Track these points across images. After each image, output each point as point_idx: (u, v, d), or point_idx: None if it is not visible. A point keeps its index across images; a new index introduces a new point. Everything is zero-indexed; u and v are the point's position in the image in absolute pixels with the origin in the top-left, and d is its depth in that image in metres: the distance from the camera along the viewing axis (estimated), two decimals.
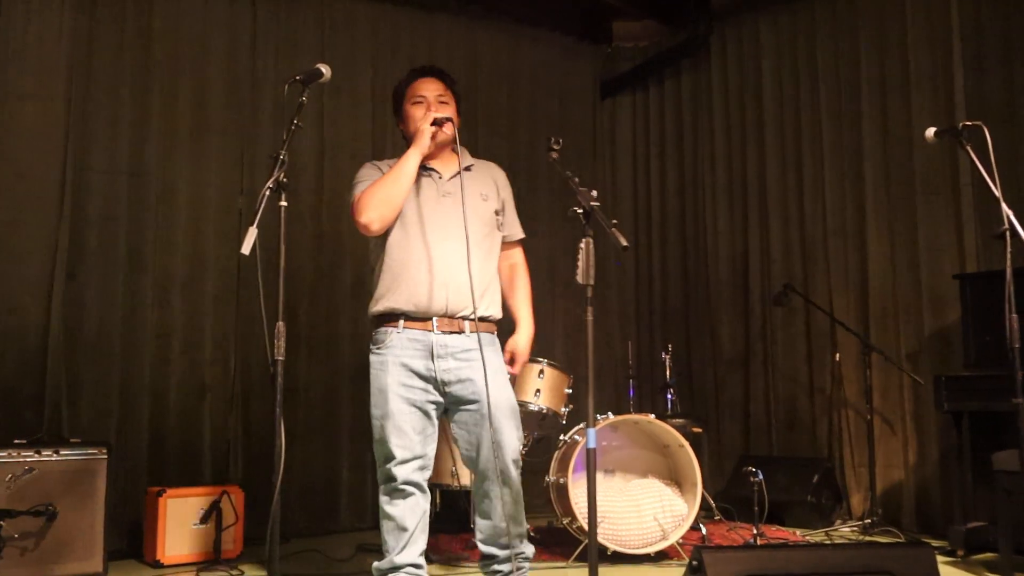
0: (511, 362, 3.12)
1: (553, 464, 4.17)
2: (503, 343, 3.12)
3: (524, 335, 3.15)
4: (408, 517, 2.92)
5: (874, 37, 4.98)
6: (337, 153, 5.11)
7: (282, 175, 2.54)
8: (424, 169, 3.02)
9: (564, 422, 4.28)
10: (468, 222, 2.88)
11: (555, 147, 2.72)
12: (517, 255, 3.26)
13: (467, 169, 3.06)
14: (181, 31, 4.66)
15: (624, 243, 2.43)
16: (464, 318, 2.94)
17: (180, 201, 4.59)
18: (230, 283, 4.68)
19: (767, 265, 5.51)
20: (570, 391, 4.30)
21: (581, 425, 4.16)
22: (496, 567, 3.02)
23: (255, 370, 4.66)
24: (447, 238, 2.94)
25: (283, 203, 2.56)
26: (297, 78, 2.70)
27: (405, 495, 2.93)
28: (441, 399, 2.97)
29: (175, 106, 4.61)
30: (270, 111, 4.84)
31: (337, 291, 5.05)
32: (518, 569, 3.02)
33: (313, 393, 4.90)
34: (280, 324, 2.51)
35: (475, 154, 3.21)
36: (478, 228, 2.99)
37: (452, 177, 3.04)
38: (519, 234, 3.24)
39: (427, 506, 2.99)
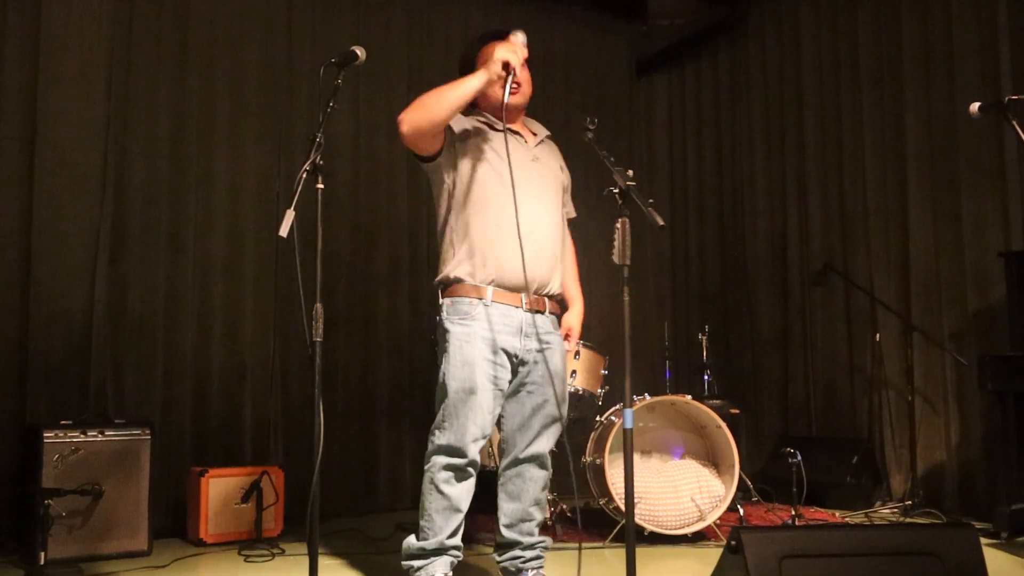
0: (566, 338, 3.11)
1: (589, 445, 4.18)
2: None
3: (578, 312, 3.16)
4: (464, 499, 2.82)
5: (916, 9, 4.86)
6: (372, 135, 5.12)
7: (318, 157, 2.54)
8: (511, 132, 2.91)
9: (600, 403, 4.27)
10: (552, 191, 2.89)
11: (590, 127, 2.69)
12: (567, 233, 3.24)
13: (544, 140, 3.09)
14: (218, 15, 4.69)
15: (661, 222, 2.40)
16: (547, 296, 2.93)
17: (219, 184, 4.64)
18: (269, 265, 4.72)
19: (806, 244, 5.43)
20: (606, 372, 4.29)
21: (618, 406, 4.15)
22: (518, 553, 2.94)
23: (294, 352, 4.72)
24: (535, 202, 2.88)
25: (320, 185, 2.56)
26: (333, 60, 2.70)
27: (467, 476, 2.82)
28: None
29: (213, 90, 4.65)
30: (306, 94, 4.85)
31: (374, 272, 5.08)
32: (537, 558, 2.97)
33: (351, 374, 4.95)
34: (318, 306, 2.53)
35: None
36: (559, 198, 3.02)
37: (538, 144, 3.04)
38: (573, 213, 3.23)
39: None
